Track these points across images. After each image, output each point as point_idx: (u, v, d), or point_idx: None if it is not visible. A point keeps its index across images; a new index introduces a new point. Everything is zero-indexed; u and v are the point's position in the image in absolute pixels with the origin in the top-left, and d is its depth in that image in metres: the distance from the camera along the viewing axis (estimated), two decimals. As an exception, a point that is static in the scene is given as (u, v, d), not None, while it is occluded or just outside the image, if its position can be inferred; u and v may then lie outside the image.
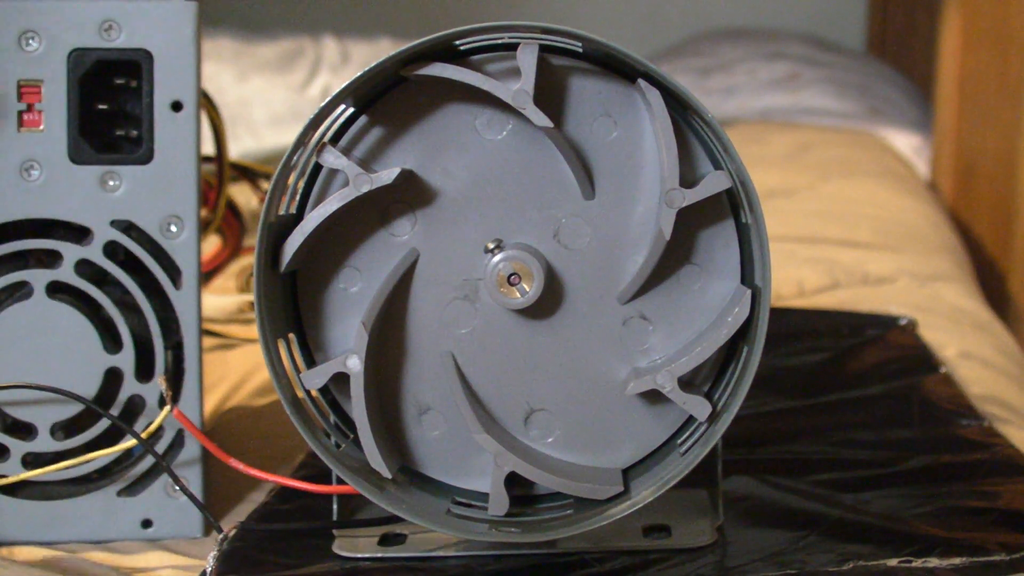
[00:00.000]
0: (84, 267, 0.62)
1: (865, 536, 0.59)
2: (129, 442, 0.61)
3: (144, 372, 0.62)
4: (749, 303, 0.56)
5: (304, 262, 0.58)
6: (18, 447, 0.62)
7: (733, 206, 0.57)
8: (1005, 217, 1.68)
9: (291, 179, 0.57)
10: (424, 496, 0.59)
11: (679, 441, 0.58)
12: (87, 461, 0.62)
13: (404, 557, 0.59)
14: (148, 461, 0.63)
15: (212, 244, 0.88)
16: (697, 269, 0.58)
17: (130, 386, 0.62)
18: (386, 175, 0.55)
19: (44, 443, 0.62)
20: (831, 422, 0.76)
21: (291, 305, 0.59)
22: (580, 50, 0.56)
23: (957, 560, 0.56)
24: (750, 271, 0.57)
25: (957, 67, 1.74)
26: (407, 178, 0.57)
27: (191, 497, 0.62)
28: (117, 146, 0.62)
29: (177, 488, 0.62)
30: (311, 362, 0.59)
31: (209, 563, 0.58)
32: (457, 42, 0.55)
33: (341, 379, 0.56)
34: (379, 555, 0.59)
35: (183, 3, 0.61)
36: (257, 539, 0.61)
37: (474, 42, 0.56)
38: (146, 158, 0.61)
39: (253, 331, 0.80)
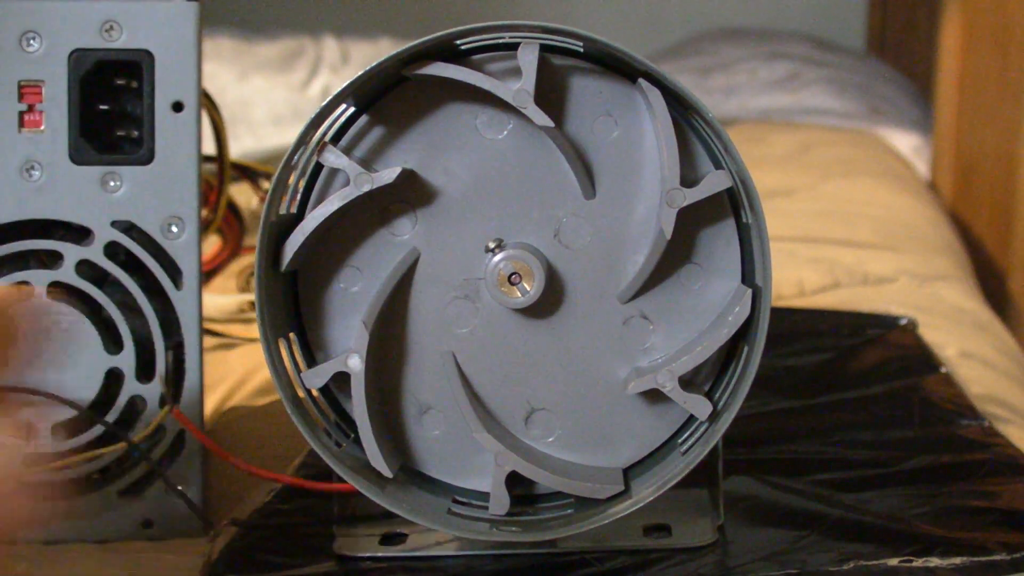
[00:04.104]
0: (85, 268, 0.62)
1: (865, 536, 0.59)
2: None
3: (145, 373, 0.62)
4: (750, 302, 0.56)
5: (305, 262, 0.58)
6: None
7: (734, 205, 0.57)
8: (1005, 217, 1.68)
9: (292, 179, 0.57)
10: (425, 495, 0.59)
11: (680, 440, 0.58)
12: (86, 461, 0.62)
13: (405, 556, 0.59)
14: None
15: (212, 244, 0.88)
16: (698, 268, 0.58)
17: (131, 387, 0.62)
18: (387, 174, 0.55)
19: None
20: (831, 422, 0.76)
21: (292, 305, 0.59)
22: (581, 50, 0.56)
23: (958, 560, 0.56)
24: (751, 270, 0.57)
25: (957, 67, 1.74)
26: (408, 177, 0.57)
27: (184, 498, 0.62)
28: (118, 146, 0.62)
29: (178, 488, 0.62)
30: (312, 361, 0.59)
31: (202, 559, 0.58)
32: (458, 42, 0.55)
33: (342, 378, 0.56)
34: (379, 554, 0.59)
35: (184, 3, 0.61)
36: (257, 539, 0.61)
37: (475, 42, 0.56)
38: (147, 158, 0.61)
39: (254, 331, 0.80)
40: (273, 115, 1.84)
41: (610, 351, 0.58)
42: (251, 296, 0.98)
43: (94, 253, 0.61)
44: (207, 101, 0.74)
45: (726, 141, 0.54)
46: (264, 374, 0.86)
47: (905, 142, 1.86)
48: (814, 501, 0.63)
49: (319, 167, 0.57)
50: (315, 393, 0.58)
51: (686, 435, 0.58)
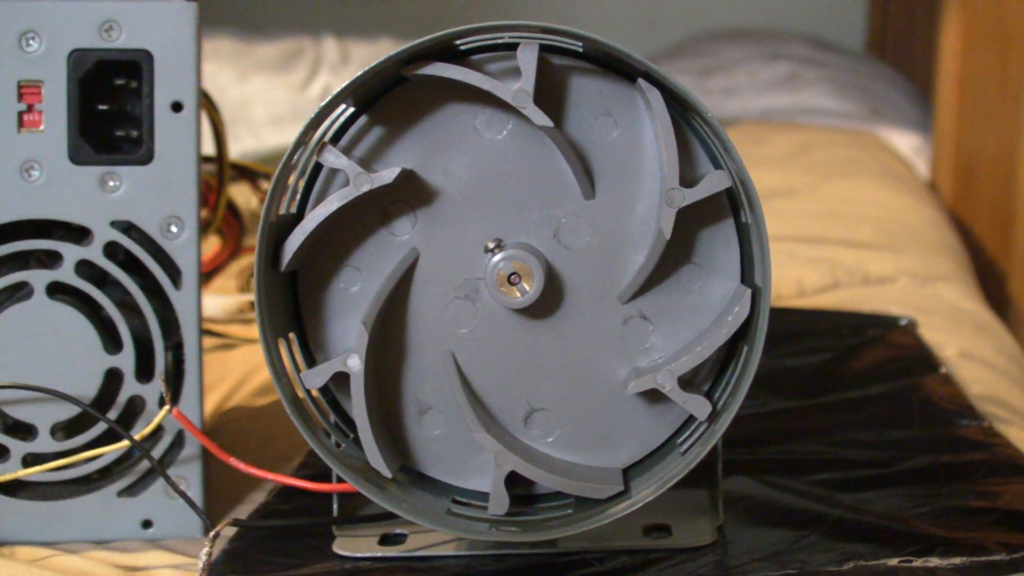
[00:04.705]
0: (84, 268, 0.62)
1: (865, 536, 0.59)
2: (127, 442, 0.61)
3: (144, 373, 0.62)
4: (749, 302, 0.56)
5: (304, 262, 0.58)
6: (18, 447, 0.62)
7: (733, 206, 0.57)
8: (1005, 217, 1.68)
9: (291, 179, 0.57)
10: (424, 495, 0.59)
11: (679, 441, 0.58)
12: (86, 460, 0.62)
13: (404, 557, 0.59)
14: (148, 461, 0.63)
15: (212, 244, 0.88)
16: (697, 269, 0.58)
17: (130, 387, 0.62)
18: (386, 174, 0.55)
19: (44, 443, 0.62)
20: (831, 422, 0.76)
21: (291, 305, 0.59)
22: (580, 50, 0.56)
23: (957, 560, 0.56)
24: (750, 271, 0.57)
25: (957, 67, 1.74)
26: (407, 178, 0.57)
27: (185, 498, 0.62)
28: (117, 146, 0.62)
29: (179, 487, 0.62)
30: (311, 362, 0.59)
31: (201, 558, 0.58)
32: (457, 42, 0.55)
33: (341, 378, 0.56)
34: (379, 555, 0.59)
35: (184, 3, 0.61)
36: (257, 539, 0.61)
37: (474, 42, 0.56)
38: (146, 159, 0.61)
39: (253, 331, 0.80)
40: (273, 115, 1.84)
41: (610, 351, 0.58)
42: (251, 296, 0.98)
43: (93, 253, 0.61)
44: (207, 101, 0.73)
45: (726, 141, 0.54)
46: (264, 374, 0.86)
47: (905, 142, 1.86)
48: (814, 501, 0.63)
49: (319, 167, 0.57)
50: (315, 393, 0.58)
51: (686, 435, 0.58)
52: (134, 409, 0.62)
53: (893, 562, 0.56)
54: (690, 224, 0.57)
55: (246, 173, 0.90)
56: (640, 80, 0.55)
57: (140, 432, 0.61)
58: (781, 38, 2.25)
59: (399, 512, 0.56)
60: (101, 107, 0.61)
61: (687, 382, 0.57)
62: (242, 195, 0.96)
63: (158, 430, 0.62)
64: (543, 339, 0.58)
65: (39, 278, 0.61)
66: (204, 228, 0.71)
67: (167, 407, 0.60)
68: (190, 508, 0.62)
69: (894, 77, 2.16)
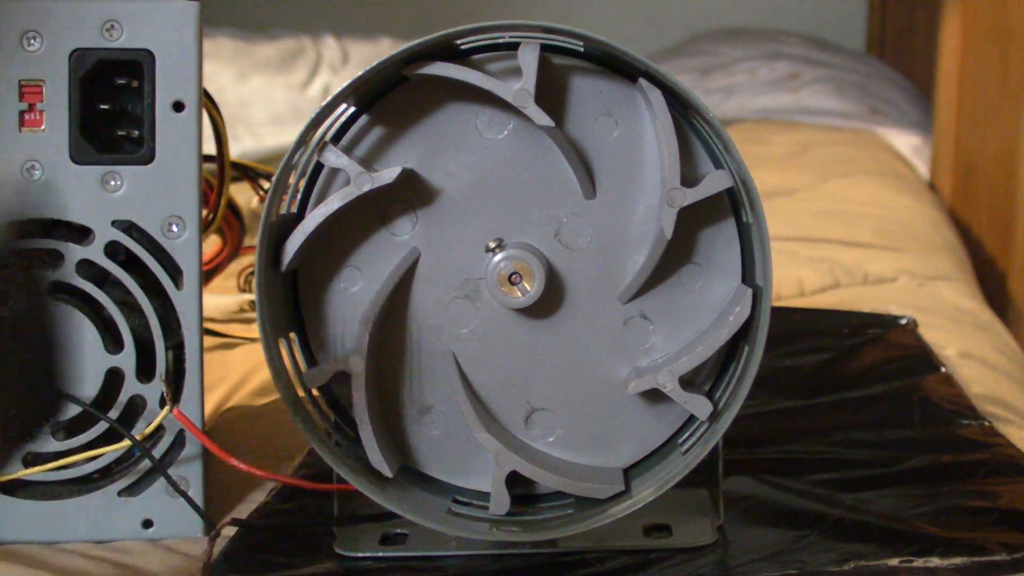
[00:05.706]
0: (85, 267, 0.62)
1: (866, 536, 0.59)
2: (128, 442, 0.61)
3: (145, 372, 0.62)
4: (750, 302, 0.56)
5: (305, 261, 0.58)
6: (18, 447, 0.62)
7: (734, 205, 0.57)
8: (1005, 217, 1.68)
9: (292, 178, 0.57)
10: (425, 495, 0.59)
11: (680, 440, 0.58)
12: (86, 460, 0.62)
13: (405, 556, 0.59)
14: (148, 461, 0.63)
15: (212, 244, 0.88)
16: (698, 268, 0.58)
17: (131, 386, 0.62)
18: (387, 174, 0.55)
19: (45, 443, 0.62)
20: (831, 422, 0.76)
21: (292, 304, 0.59)
22: (581, 49, 0.56)
23: (958, 560, 0.56)
24: (751, 270, 0.57)
25: (957, 67, 1.74)
26: (408, 177, 0.57)
27: (186, 498, 0.62)
28: (118, 146, 0.62)
29: (180, 487, 0.62)
30: (312, 361, 0.59)
31: (201, 558, 0.58)
32: (458, 41, 0.55)
33: (342, 378, 0.56)
34: (380, 554, 0.59)
35: (185, 3, 0.61)
36: (257, 539, 0.61)
37: (475, 41, 0.56)
38: (147, 158, 0.61)
39: (254, 330, 0.80)
40: (273, 115, 1.84)
41: (610, 351, 0.58)
42: (251, 296, 0.98)
43: (94, 253, 0.61)
44: (207, 101, 0.73)
45: (726, 141, 0.54)
46: (264, 374, 0.86)
47: (905, 142, 1.86)
48: (814, 501, 0.63)
49: (319, 167, 0.57)
50: (315, 393, 0.58)
51: (686, 435, 0.58)
52: (135, 409, 0.62)
53: (893, 562, 0.56)
54: (691, 224, 0.57)
55: (247, 173, 0.90)
56: (641, 80, 0.55)
57: (141, 432, 0.61)
58: (781, 38, 2.26)
59: (400, 512, 0.56)
60: (102, 107, 0.61)
61: (688, 382, 0.57)
62: (242, 195, 0.96)
63: (159, 430, 0.62)
64: (544, 339, 0.58)
65: (40, 278, 0.61)
66: (204, 228, 0.71)
67: (168, 407, 0.60)
68: (190, 508, 0.62)
69: (894, 77, 2.16)
